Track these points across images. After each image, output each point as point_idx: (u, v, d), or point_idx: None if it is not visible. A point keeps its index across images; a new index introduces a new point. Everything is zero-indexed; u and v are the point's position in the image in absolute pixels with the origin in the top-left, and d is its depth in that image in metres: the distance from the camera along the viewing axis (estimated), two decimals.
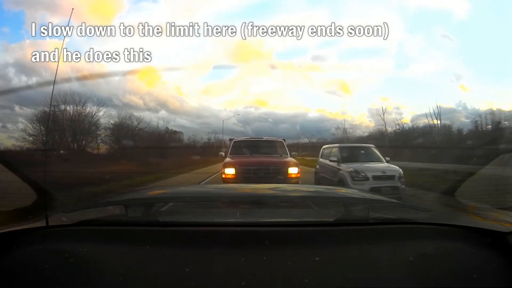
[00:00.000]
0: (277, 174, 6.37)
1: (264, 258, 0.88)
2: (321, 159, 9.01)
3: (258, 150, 7.71)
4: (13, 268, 0.88)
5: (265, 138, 8.79)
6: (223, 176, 6.38)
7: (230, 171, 6.33)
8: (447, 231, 1.05)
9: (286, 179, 6.30)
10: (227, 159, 7.04)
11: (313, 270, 0.85)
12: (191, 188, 2.54)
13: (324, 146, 9.60)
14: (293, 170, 6.47)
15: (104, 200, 1.49)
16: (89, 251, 0.93)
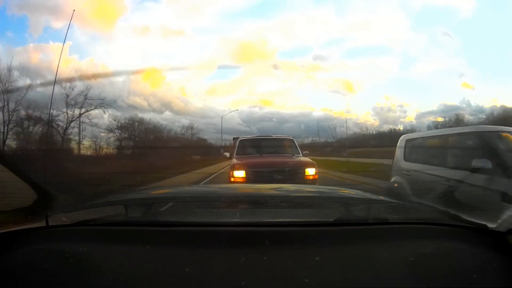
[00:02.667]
0: (294, 176, 5.70)
1: (264, 258, 0.88)
2: (407, 164, 4.40)
3: (267, 149, 6.95)
4: (13, 268, 0.88)
5: (274, 136, 8.02)
6: (232, 179, 5.65)
7: (239, 174, 5.65)
8: (447, 231, 1.05)
9: (304, 181, 5.60)
10: (235, 160, 6.26)
11: (313, 270, 0.85)
12: (191, 188, 2.54)
13: (408, 136, 4.74)
14: (311, 171, 5.78)
15: (104, 200, 1.49)
16: (89, 251, 0.93)
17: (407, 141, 4.64)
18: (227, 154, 7.47)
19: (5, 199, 1.20)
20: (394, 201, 1.55)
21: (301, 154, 6.92)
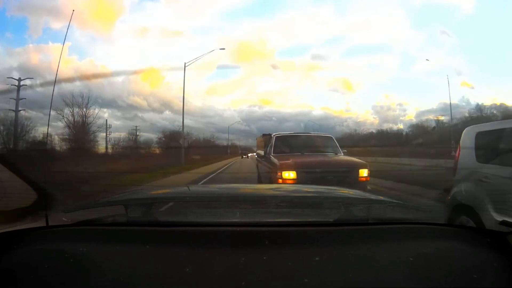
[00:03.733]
0: (347, 177, 5.34)
1: (264, 258, 0.88)
2: (482, 167, 2.87)
3: (308, 148, 6.47)
4: (13, 268, 0.88)
5: (312, 133, 7.58)
6: (279, 181, 5.25)
7: (290, 175, 5.26)
8: (447, 231, 1.06)
9: (357, 182, 5.27)
10: (278, 160, 5.74)
11: (313, 270, 0.85)
12: (191, 188, 2.54)
13: (481, 128, 3.19)
14: (364, 173, 5.47)
15: (104, 200, 1.49)
16: (89, 251, 0.93)
17: (479, 134, 3.15)
18: (261, 153, 6.82)
19: (5, 199, 1.20)
20: (394, 201, 1.55)
21: (342, 153, 6.52)
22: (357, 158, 6.12)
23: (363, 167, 5.55)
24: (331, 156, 6.29)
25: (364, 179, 5.45)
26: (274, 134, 6.94)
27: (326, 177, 5.25)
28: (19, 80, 17.78)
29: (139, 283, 0.82)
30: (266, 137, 7.41)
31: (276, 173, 5.43)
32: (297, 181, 5.15)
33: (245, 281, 0.80)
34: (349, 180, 5.28)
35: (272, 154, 6.28)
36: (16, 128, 18.06)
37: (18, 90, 17.77)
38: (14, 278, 0.85)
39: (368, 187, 5.43)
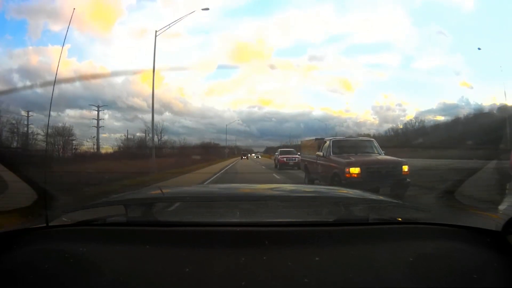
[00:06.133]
0: (396, 172, 6.57)
1: (264, 258, 0.88)
2: None
3: (358, 149, 7.73)
4: (13, 268, 0.88)
5: (359, 138, 9.40)
6: (347, 175, 6.41)
7: (356, 170, 6.47)
8: (447, 231, 1.05)
9: (402, 175, 6.53)
10: (344, 159, 6.88)
11: (313, 270, 0.85)
12: (191, 188, 2.54)
13: None
14: (406, 168, 6.69)
15: (104, 200, 1.49)
16: (89, 251, 0.93)
17: None
18: (320, 154, 7.90)
19: (5, 199, 1.20)
20: (394, 201, 1.55)
21: (383, 153, 7.74)
22: (398, 158, 7.30)
23: (405, 164, 6.79)
24: (378, 156, 7.51)
25: (405, 173, 6.65)
26: (328, 138, 8.41)
27: (381, 171, 6.60)
28: (98, 106, 24.40)
29: (139, 283, 0.82)
30: (320, 141, 8.76)
31: (344, 169, 6.60)
32: (361, 175, 6.32)
33: (245, 281, 0.80)
34: (396, 174, 6.56)
35: (332, 155, 7.44)
36: (98, 142, 23.76)
37: (98, 113, 24.25)
38: (14, 278, 0.85)
39: (408, 179, 6.65)
